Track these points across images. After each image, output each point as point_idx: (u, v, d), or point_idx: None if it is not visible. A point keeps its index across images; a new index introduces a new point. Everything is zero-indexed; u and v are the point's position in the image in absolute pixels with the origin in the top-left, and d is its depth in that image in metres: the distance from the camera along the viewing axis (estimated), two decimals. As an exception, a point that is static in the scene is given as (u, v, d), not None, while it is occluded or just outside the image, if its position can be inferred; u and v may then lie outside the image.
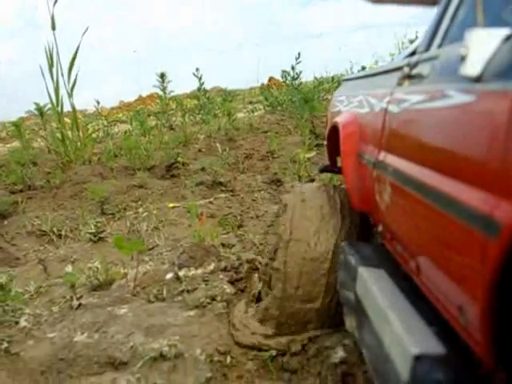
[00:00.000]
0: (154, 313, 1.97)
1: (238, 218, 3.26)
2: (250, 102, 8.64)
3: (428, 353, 0.79)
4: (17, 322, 2.02)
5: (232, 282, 2.18)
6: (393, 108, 1.14)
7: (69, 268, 2.48)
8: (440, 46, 1.06)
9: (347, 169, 1.48)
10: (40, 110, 5.20)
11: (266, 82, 9.57)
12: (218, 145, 5.04)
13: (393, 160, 1.08)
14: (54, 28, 5.02)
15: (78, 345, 1.80)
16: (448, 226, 0.76)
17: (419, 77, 1.06)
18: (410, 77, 1.12)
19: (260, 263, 2.23)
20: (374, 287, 1.08)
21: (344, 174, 1.52)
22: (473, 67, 0.71)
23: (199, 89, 6.78)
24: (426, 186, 0.85)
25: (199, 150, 5.30)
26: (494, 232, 0.60)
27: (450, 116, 0.82)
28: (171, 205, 3.56)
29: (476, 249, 0.65)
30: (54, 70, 5.02)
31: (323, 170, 2.16)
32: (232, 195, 3.80)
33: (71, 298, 2.23)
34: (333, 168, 2.03)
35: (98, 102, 7.26)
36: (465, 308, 0.72)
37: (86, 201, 3.95)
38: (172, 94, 6.21)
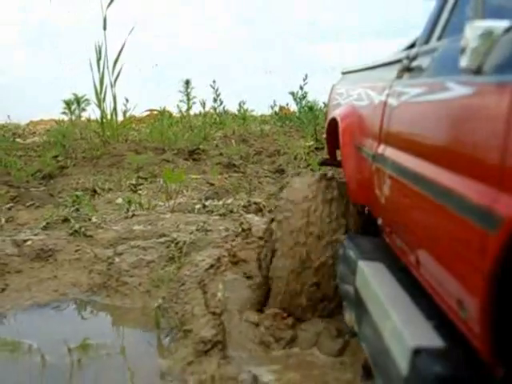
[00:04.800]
0: (190, 217, 2.88)
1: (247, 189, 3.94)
2: (262, 121, 8.93)
3: (427, 346, 0.77)
4: (89, 219, 2.89)
5: (245, 206, 3.08)
6: (392, 101, 1.10)
7: (119, 200, 3.42)
8: (439, 38, 1.03)
9: (346, 162, 1.44)
10: (77, 100, 5.86)
11: (277, 110, 9.62)
12: (233, 141, 5.62)
13: (392, 153, 1.04)
14: (105, 28, 5.73)
15: (136, 231, 2.65)
16: (448, 220, 0.73)
17: (419, 69, 1.03)
18: (409, 69, 1.09)
19: (264, 205, 3.02)
20: (373, 281, 1.05)
21: (343, 167, 1.48)
22: (472, 60, 0.69)
23: (215, 99, 6.97)
24: (426, 179, 0.82)
25: (216, 145, 5.68)
26: (493, 225, 0.58)
27: (449, 109, 0.79)
28: (194, 176, 4.15)
29: (476, 242, 0.63)
30: (101, 62, 5.71)
31: (323, 163, 2.12)
32: (243, 176, 4.36)
33: (127, 210, 3.08)
34: (332, 161, 1.98)
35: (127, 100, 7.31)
36: (464, 301, 0.70)
37: (123, 169, 4.49)
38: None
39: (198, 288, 2.04)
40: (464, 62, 0.71)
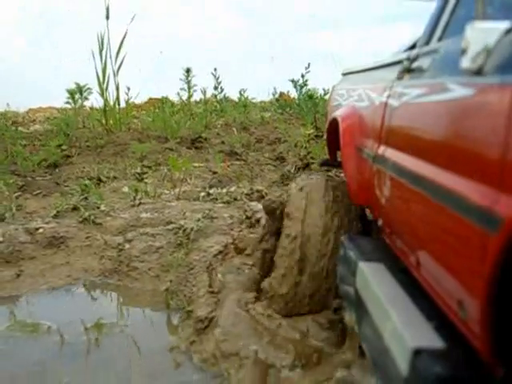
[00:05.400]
0: (195, 205, 2.96)
1: (249, 177, 4.04)
2: (263, 109, 8.91)
3: (427, 347, 0.76)
4: (98, 207, 2.99)
5: (248, 194, 3.19)
6: (393, 102, 1.10)
7: (125, 188, 3.51)
8: (440, 39, 1.02)
9: (347, 163, 1.44)
10: (80, 89, 5.77)
11: (277, 97, 9.60)
12: (234, 129, 5.62)
13: (392, 154, 1.05)
14: (107, 17, 5.64)
15: (144, 218, 2.76)
16: (448, 220, 0.73)
17: (419, 70, 1.02)
18: (410, 70, 1.08)
19: (266, 193, 3.12)
20: (373, 281, 1.04)
21: (344, 168, 1.48)
22: (473, 60, 0.69)
23: (216, 87, 6.95)
24: (426, 180, 0.81)
25: (218, 134, 5.68)
26: (494, 226, 0.58)
27: (450, 110, 0.78)
28: (197, 164, 4.19)
29: (476, 243, 0.63)
30: (104, 52, 5.67)
31: (323, 164, 2.13)
32: (244, 164, 4.43)
33: (134, 198, 3.16)
34: (333, 162, 1.99)
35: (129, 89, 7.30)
36: (464, 302, 0.69)
37: (127, 158, 4.53)
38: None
39: (206, 272, 2.15)
40: (465, 62, 0.70)
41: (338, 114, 1.59)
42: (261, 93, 8.94)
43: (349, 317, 1.31)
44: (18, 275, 2.37)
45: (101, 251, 2.55)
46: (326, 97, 7.18)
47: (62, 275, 2.41)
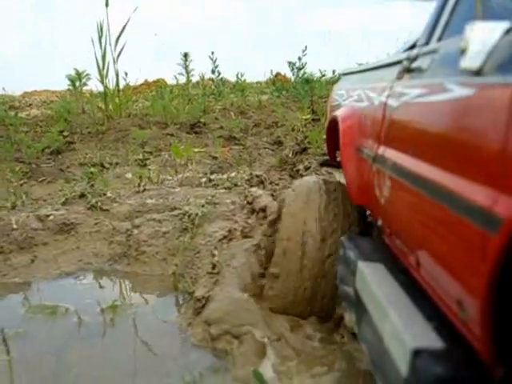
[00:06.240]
0: (198, 191, 3.08)
1: (248, 161, 4.12)
2: (260, 91, 8.88)
3: (427, 347, 0.76)
4: (104, 194, 3.07)
5: (248, 180, 3.29)
6: (392, 102, 1.09)
7: (129, 175, 3.64)
8: (440, 39, 1.01)
9: (346, 163, 1.42)
10: (78, 75, 5.82)
11: (272, 76, 9.52)
12: (232, 113, 5.68)
13: (392, 154, 1.04)
14: (107, 5, 5.64)
15: (149, 204, 2.86)
16: (448, 221, 0.73)
17: (419, 70, 1.00)
18: (409, 70, 1.07)
19: (265, 178, 3.29)
20: (373, 282, 1.03)
21: (343, 168, 1.46)
22: (473, 60, 0.68)
23: (213, 71, 6.94)
24: (426, 181, 0.81)
25: (216, 118, 5.70)
26: (493, 226, 0.57)
27: (450, 110, 0.78)
28: (197, 150, 4.23)
29: (476, 243, 0.62)
30: (103, 39, 5.68)
31: (323, 164, 2.10)
32: (243, 148, 4.52)
33: (138, 185, 3.27)
34: (332, 162, 1.96)
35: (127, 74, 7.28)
36: (464, 302, 0.69)
37: (128, 144, 4.59)
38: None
39: (211, 256, 2.27)
40: (464, 63, 0.70)
41: (338, 113, 1.57)
42: (258, 76, 8.89)
43: (348, 317, 1.30)
44: (33, 260, 2.47)
45: (110, 236, 2.65)
46: (323, 79, 7.21)
47: (73, 260, 2.52)
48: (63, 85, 6.55)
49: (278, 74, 9.75)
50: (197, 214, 2.58)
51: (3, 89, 8.41)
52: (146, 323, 1.96)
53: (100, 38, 5.67)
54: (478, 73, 0.68)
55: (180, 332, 1.83)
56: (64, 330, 1.89)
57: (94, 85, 6.36)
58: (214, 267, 2.10)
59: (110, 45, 5.73)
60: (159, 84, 8.96)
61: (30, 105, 8.08)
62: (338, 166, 1.88)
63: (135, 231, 2.60)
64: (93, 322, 1.95)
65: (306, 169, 3.31)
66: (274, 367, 1.49)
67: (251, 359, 1.55)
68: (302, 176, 3.14)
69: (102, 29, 5.67)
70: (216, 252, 2.20)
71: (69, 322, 1.95)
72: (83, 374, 1.58)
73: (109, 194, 3.08)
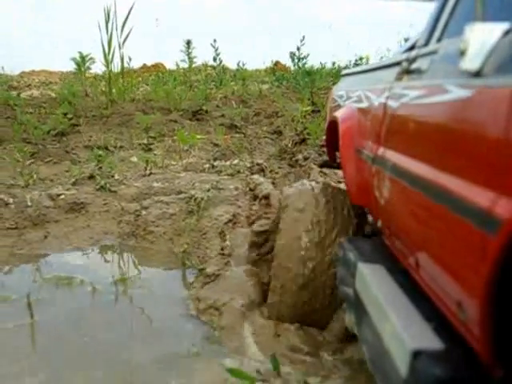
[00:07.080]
0: (202, 176, 3.24)
1: (249, 150, 4.25)
2: (260, 80, 8.94)
3: (426, 348, 0.75)
4: (112, 176, 3.24)
5: (249, 167, 3.46)
6: (392, 103, 1.09)
7: (134, 158, 3.77)
8: (439, 40, 1.01)
9: (346, 164, 1.40)
10: (82, 59, 5.76)
11: (272, 65, 9.57)
12: (233, 102, 5.76)
13: (392, 155, 1.03)
14: None
15: (156, 187, 3.02)
16: (447, 222, 0.72)
17: (418, 71, 1.00)
18: (408, 71, 1.07)
19: (265, 166, 3.44)
20: (373, 283, 1.03)
21: (343, 169, 1.44)
22: (472, 62, 0.68)
23: (215, 58, 6.95)
24: (426, 182, 0.81)
25: (217, 106, 5.79)
26: (493, 227, 0.57)
27: (449, 111, 0.78)
28: (199, 136, 4.30)
29: (475, 244, 0.62)
30: (110, 24, 5.71)
31: (323, 165, 2.15)
32: (244, 137, 4.63)
33: (145, 168, 3.42)
34: (332, 163, 1.95)
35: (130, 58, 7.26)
36: (464, 304, 0.68)
37: (132, 128, 4.67)
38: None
39: (218, 237, 2.44)
40: (464, 64, 0.69)
41: (338, 114, 1.55)
42: (257, 64, 8.93)
43: (348, 318, 1.30)
44: (46, 236, 2.60)
45: (118, 216, 2.79)
46: (323, 71, 7.30)
47: (84, 237, 2.65)
48: (62, 65, 6.55)
49: (277, 63, 9.81)
50: (202, 198, 2.72)
51: (2, 68, 8.36)
52: (155, 294, 2.12)
53: (107, 23, 5.72)
54: (477, 74, 0.68)
55: (185, 303, 2.00)
56: (80, 298, 2.05)
57: (98, 68, 6.38)
58: (222, 248, 2.27)
59: (116, 29, 5.79)
60: (158, 69, 8.97)
61: (29, 85, 8.04)
62: (337, 167, 1.90)
63: (143, 212, 2.74)
64: (106, 291, 2.11)
65: (305, 159, 3.45)
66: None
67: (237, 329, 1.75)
68: (300, 166, 3.31)
69: (109, 14, 5.71)
70: (227, 236, 2.36)
71: (84, 291, 2.11)
72: (96, 336, 1.74)
73: (116, 177, 3.22)
